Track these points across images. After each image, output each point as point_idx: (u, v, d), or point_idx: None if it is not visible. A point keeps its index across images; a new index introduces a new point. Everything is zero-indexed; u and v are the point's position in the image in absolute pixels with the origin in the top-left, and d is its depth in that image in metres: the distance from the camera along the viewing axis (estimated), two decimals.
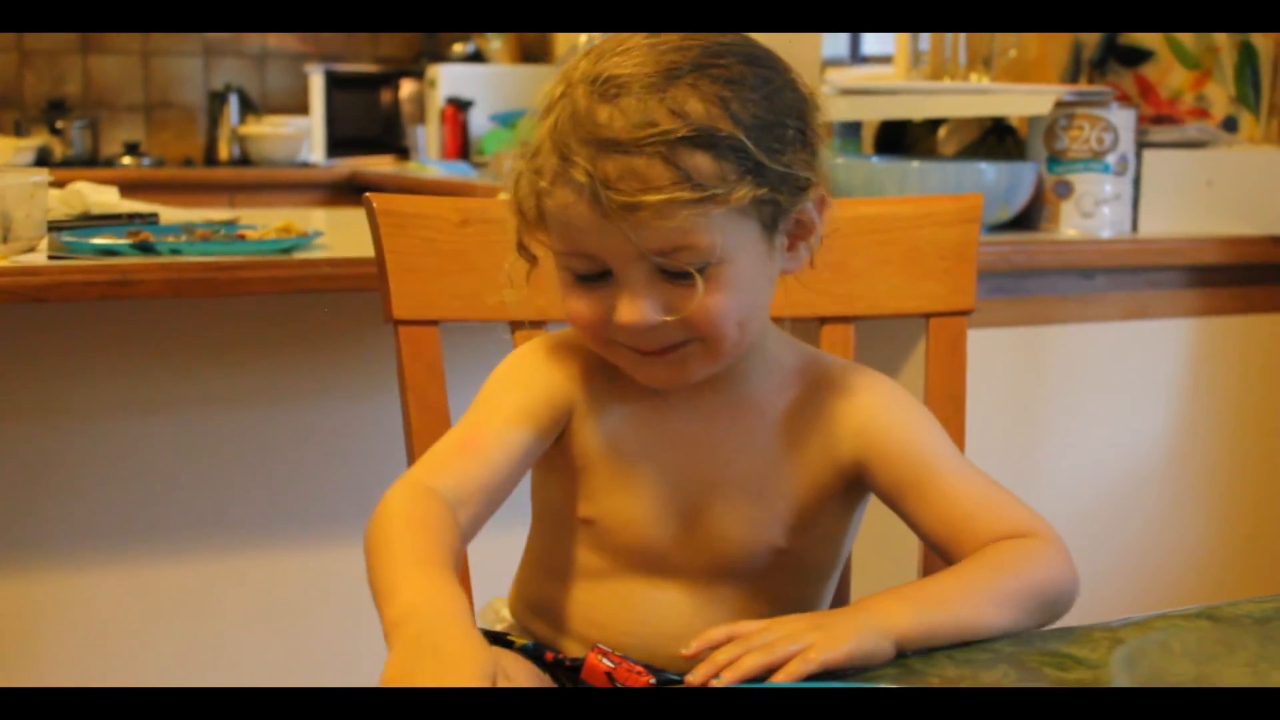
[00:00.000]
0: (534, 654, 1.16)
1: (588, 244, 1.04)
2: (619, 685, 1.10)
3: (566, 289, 1.08)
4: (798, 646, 0.93)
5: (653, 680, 1.11)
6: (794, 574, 1.17)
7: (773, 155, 1.03)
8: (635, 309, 1.04)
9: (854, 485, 1.16)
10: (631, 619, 1.14)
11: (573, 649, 1.16)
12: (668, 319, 1.04)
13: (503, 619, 1.25)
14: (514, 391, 1.14)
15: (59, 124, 4.67)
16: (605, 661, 1.11)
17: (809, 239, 1.11)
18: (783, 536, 1.15)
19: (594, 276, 1.06)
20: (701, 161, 1.00)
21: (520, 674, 1.10)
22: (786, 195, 1.05)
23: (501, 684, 0.86)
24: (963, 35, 2.73)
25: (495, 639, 1.18)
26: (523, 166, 1.07)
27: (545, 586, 1.20)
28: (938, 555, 1.14)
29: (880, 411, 1.15)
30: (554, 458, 1.15)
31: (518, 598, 1.24)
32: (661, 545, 1.14)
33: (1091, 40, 2.57)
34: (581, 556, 1.16)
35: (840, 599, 1.41)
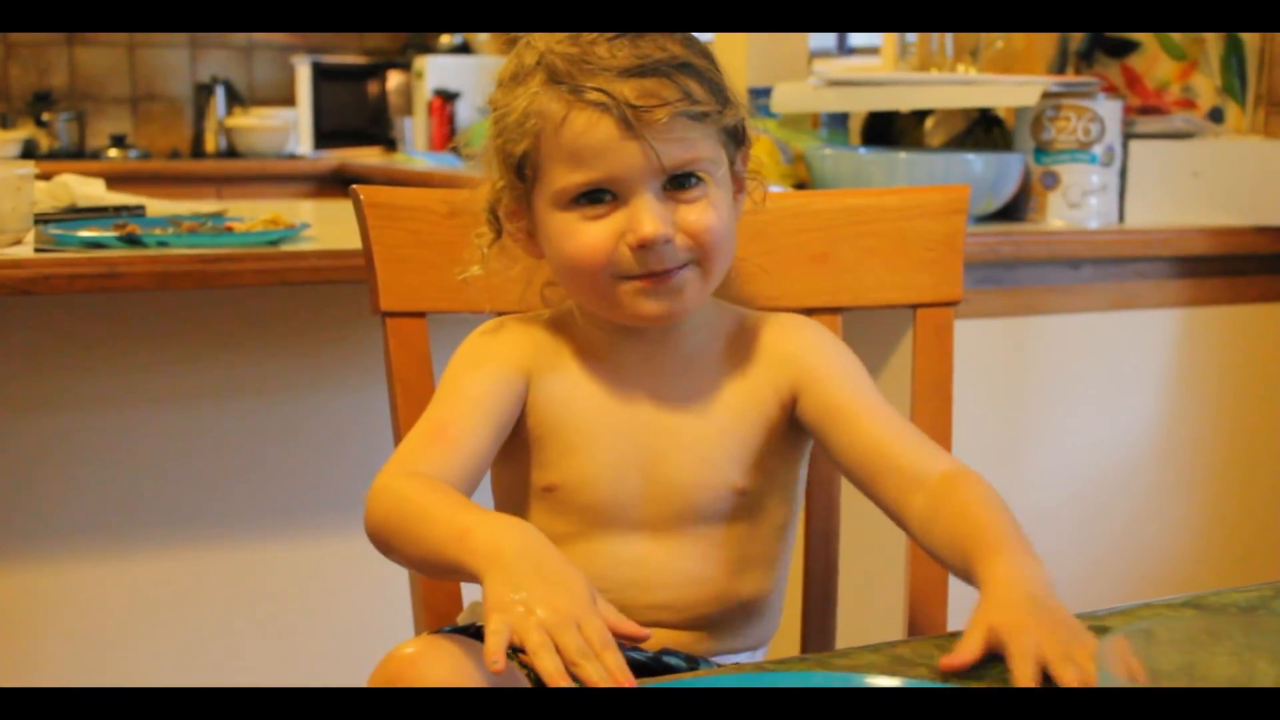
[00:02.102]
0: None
1: (607, 165, 1.11)
2: None
3: (568, 231, 1.14)
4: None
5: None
6: (754, 521, 1.23)
7: (731, 99, 1.16)
8: (654, 221, 1.11)
9: (795, 422, 1.23)
10: (601, 574, 1.18)
11: None
12: (679, 233, 1.13)
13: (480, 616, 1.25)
14: (473, 378, 1.19)
15: (45, 116, 4.66)
16: None
17: (741, 194, 1.22)
18: (740, 476, 1.21)
19: (601, 204, 1.12)
20: (695, 86, 1.12)
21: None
22: (741, 137, 1.19)
23: (600, 601, 0.93)
24: None
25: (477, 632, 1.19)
26: (507, 134, 1.15)
27: None
28: (854, 484, 1.19)
29: (811, 344, 1.23)
30: (515, 433, 1.20)
31: None
32: (624, 501, 1.19)
33: (1078, 32, 2.57)
34: (549, 524, 1.19)
35: (828, 592, 1.41)
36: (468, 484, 1.13)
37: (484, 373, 1.19)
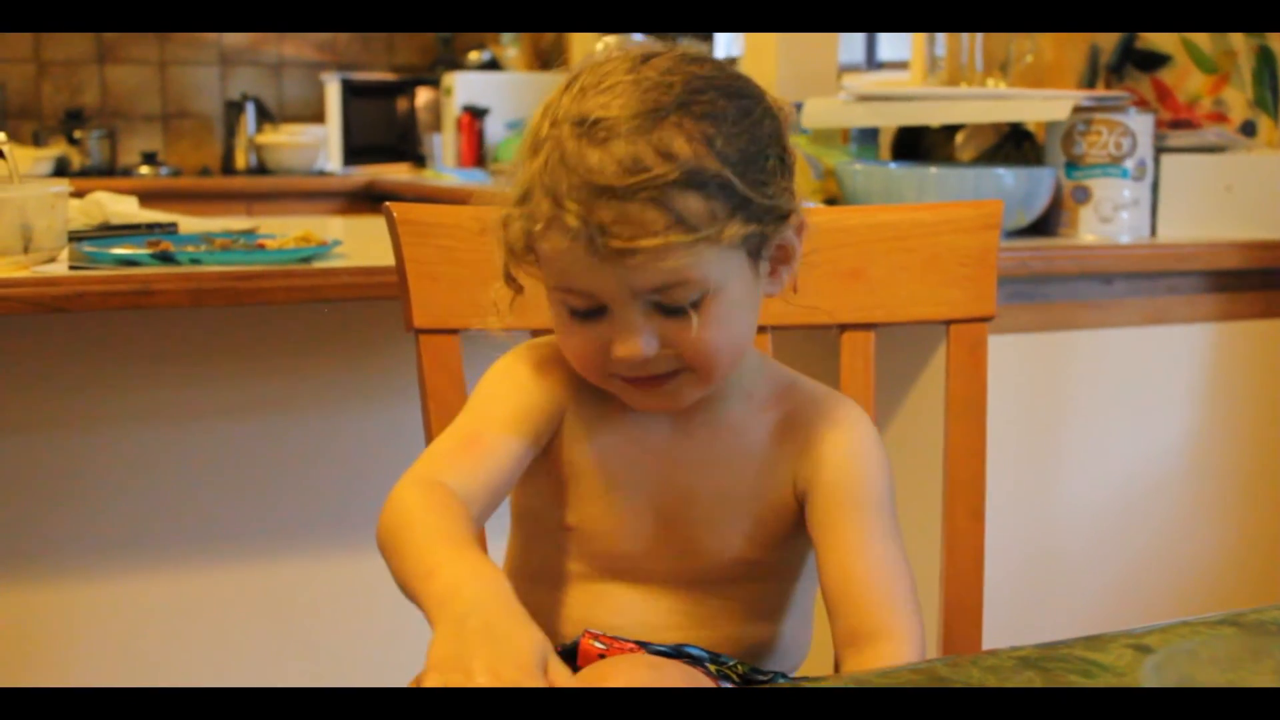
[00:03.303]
0: None
1: (583, 283, 1.06)
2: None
3: (561, 324, 1.11)
4: None
5: (644, 652, 1.15)
6: (762, 579, 1.21)
7: (758, 189, 1.05)
8: (632, 344, 1.07)
9: None
10: (612, 617, 1.18)
11: None
12: (664, 352, 1.07)
13: None
14: (509, 397, 1.16)
15: (77, 134, 4.69)
16: (597, 644, 1.16)
17: (790, 263, 1.14)
18: (749, 549, 1.19)
19: (589, 312, 1.08)
20: (693, 202, 1.02)
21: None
22: (771, 226, 1.08)
23: (552, 665, 0.87)
24: (979, 40, 2.73)
25: None
26: (513, 209, 1.08)
27: (529, 591, 1.22)
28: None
29: (843, 452, 1.17)
30: (540, 465, 1.18)
31: None
32: (638, 553, 1.18)
33: (1108, 45, 2.57)
34: (564, 561, 1.20)
35: None
36: (491, 499, 1.12)
37: (524, 390, 1.16)
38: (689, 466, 1.18)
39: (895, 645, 1.12)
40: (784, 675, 1.23)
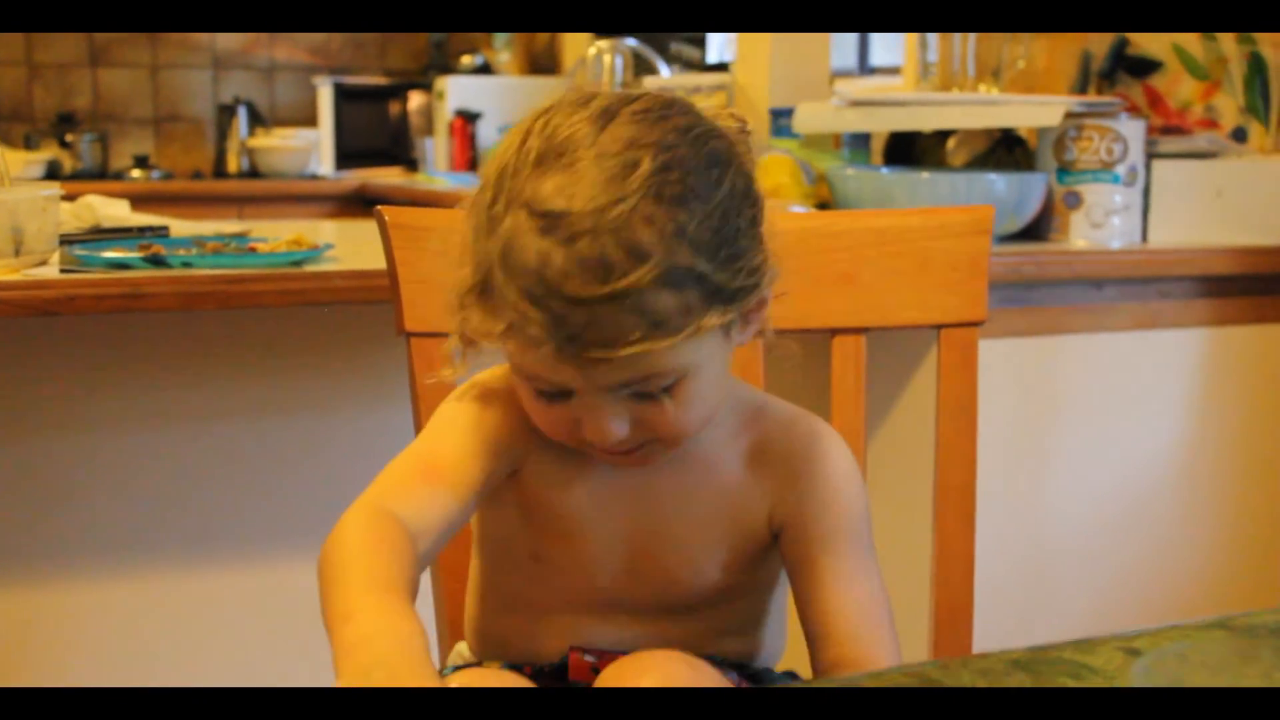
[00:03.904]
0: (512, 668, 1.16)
1: (550, 377, 1.02)
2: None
3: (527, 400, 1.07)
4: None
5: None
6: (737, 601, 1.19)
7: (733, 273, 1.00)
8: (603, 430, 1.03)
9: None
10: (581, 643, 1.15)
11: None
12: (636, 431, 1.04)
13: (466, 659, 1.25)
14: (473, 418, 1.12)
15: (68, 137, 4.69)
16: (587, 657, 1.14)
17: (762, 310, 1.08)
18: (723, 576, 1.16)
19: (556, 394, 1.04)
20: (667, 301, 0.97)
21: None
22: (748, 301, 1.03)
23: None
24: (971, 45, 2.73)
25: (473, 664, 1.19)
26: (469, 297, 1.02)
27: (497, 620, 1.21)
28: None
29: (814, 481, 1.15)
30: (503, 493, 1.14)
31: (473, 633, 1.24)
32: (607, 586, 1.15)
33: (1100, 51, 2.57)
34: (530, 591, 1.17)
35: None
36: (443, 534, 1.07)
37: (486, 416, 1.12)
38: (659, 502, 1.14)
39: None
40: (793, 675, 1.23)
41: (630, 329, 0.96)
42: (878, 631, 1.14)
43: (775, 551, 1.18)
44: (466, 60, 4.95)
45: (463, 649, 1.27)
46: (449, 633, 1.35)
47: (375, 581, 0.95)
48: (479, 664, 1.20)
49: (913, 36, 2.89)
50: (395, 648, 0.87)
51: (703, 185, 0.99)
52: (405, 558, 0.99)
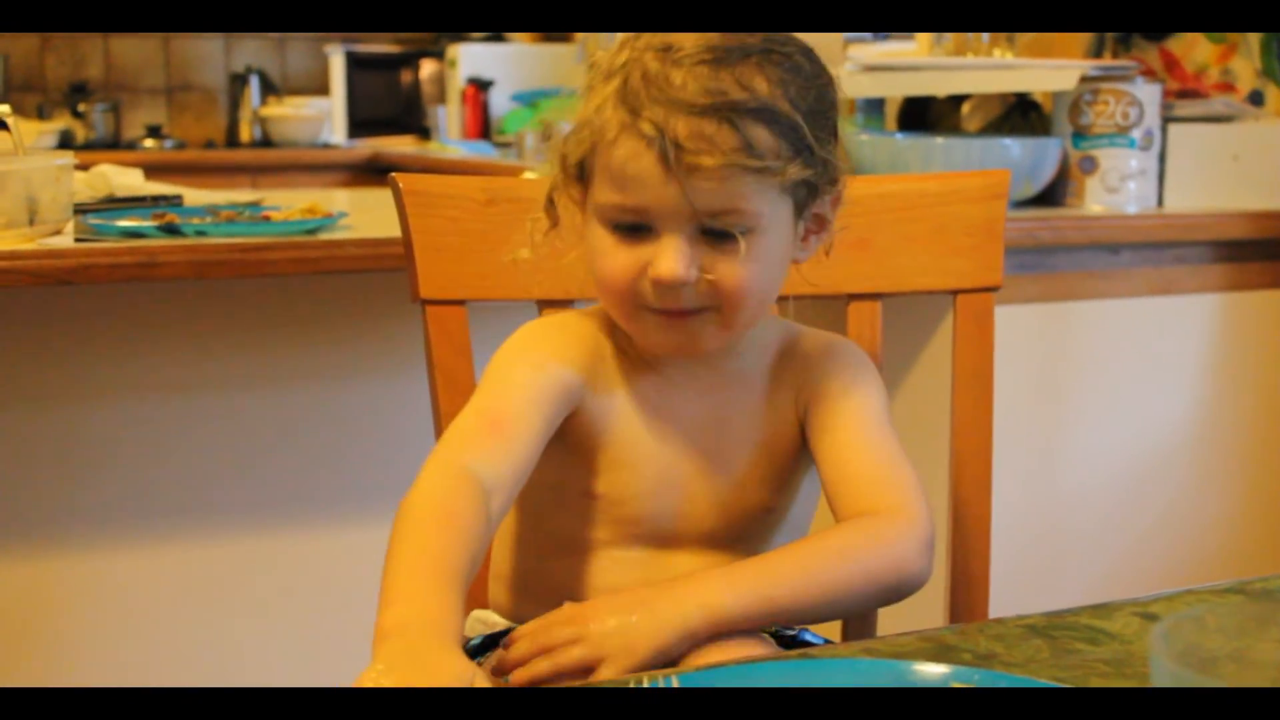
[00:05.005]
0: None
1: (643, 196, 1.08)
2: None
3: (602, 247, 1.12)
4: (591, 658, 1.03)
5: None
6: (780, 531, 1.24)
7: (820, 142, 1.10)
8: (674, 263, 1.09)
9: None
10: (628, 579, 1.18)
11: None
12: (704, 277, 1.10)
13: (489, 625, 1.26)
14: (528, 372, 1.15)
15: (81, 107, 4.69)
16: None
17: (822, 233, 1.18)
18: (770, 496, 1.22)
19: (635, 230, 1.10)
20: (763, 134, 1.07)
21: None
22: (823, 182, 1.13)
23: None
24: None
25: (493, 641, 1.20)
26: (579, 125, 1.12)
27: (541, 565, 1.23)
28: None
29: (828, 364, 1.22)
30: (560, 436, 1.17)
31: (511, 587, 1.25)
32: (665, 516, 1.19)
33: None
34: (584, 529, 1.20)
35: None
36: (516, 485, 1.10)
37: (540, 367, 1.15)
38: (710, 425, 1.20)
39: (901, 519, 1.13)
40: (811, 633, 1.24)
41: (728, 142, 1.05)
42: (900, 481, 1.16)
43: (807, 466, 1.22)
44: None
45: (484, 615, 1.27)
46: (466, 601, 1.35)
47: (430, 563, 0.98)
48: (510, 629, 1.19)
49: None
50: (427, 638, 0.90)
51: (808, 69, 1.11)
52: (471, 531, 1.02)
